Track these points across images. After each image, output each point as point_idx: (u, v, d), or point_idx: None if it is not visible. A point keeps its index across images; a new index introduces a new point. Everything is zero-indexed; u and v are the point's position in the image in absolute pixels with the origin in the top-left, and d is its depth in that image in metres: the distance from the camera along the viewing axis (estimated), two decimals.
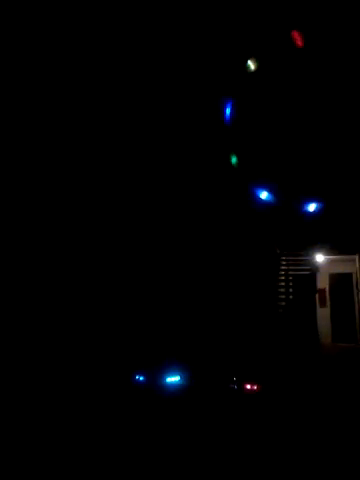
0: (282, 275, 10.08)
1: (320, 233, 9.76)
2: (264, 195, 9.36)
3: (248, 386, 6.88)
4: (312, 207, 9.20)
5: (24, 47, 7.83)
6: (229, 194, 9.60)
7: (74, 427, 5.14)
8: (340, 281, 11.47)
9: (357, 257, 10.55)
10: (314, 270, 10.19)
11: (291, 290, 9.96)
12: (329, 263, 11.05)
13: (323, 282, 11.31)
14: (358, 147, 9.21)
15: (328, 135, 9.18)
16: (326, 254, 10.52)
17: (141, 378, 7.08)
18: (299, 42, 8.33)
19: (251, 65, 8.09)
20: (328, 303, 11.49)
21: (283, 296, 9.87)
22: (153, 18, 8.23)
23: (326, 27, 8.31)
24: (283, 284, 10.01)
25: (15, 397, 5.90)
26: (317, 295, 10.88)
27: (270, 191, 9.34)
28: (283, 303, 9.73)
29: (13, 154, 8.01)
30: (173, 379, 7.08)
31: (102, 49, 8.29)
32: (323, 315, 11.14)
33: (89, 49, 8.19)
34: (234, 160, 8.76)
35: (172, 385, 7.01)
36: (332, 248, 10.15)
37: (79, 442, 4.74)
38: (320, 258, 10.53)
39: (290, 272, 10.12)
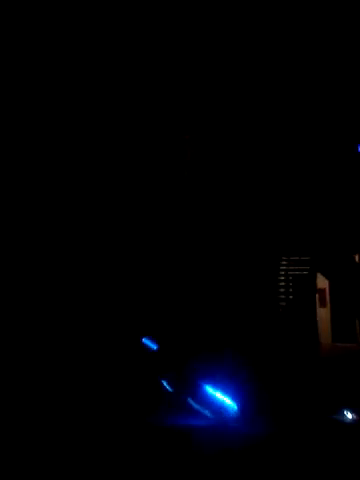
0: (282, 275, 10.09)
1: (320, 233, 9.75)
2: None
3: None
4: None
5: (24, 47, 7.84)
6: (232, 195, 9.61)
7: None
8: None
9: (357, 257, 10.54)
10: (314, 270, 10.19)
11: (291, 290, 9.97)
12: None
13: (323, 282, 11.30)
14: None
15: None
16: None
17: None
18: None
19: None
20: (328, 303, 11.48)
21: (283, 296, 9.87)
22: None
23: None
24: (283, 284, 10.02)
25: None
26: (317, 295, 10.88)
27: None
28: (283, 303, 9.74)
29: (12, 155, 8.01)
30: None
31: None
32: (323, 315, 11.13)
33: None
34: None
35: None
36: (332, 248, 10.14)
37: None
38: None
39: (290, 272, 10.12)
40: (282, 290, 9.93)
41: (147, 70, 8.37)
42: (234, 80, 8.72)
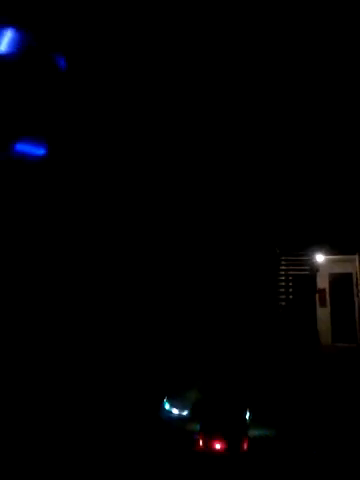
0: (282, 275, 10.08)
1: (320, 233, 9.76)
2: None
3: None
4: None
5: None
6: (230, 195, 9.61)
7: None
8: (340, 281, 11.46)
9: (357, 257, 10.54)
10: (314, 270, 10.19)
11: (291, 290, 9.97)
12: (329, 263, 11.05)
13: (323, 282, 11.30)
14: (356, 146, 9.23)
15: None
16: (326, 254, 10.52)
17: None
18: None
19: None
20: (328, 303, 11.49)
21: (283, 296, 9.87)
22: None
23: None
24: (283, 284, 10.02)
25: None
26: (317, 295, 10.87)
27: None
28: (283, 303, 9.74)
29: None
30: None
31: None
32: (323, 315, 11.13)
33: None
34: None
35: None
36: (332, 248, 10.15)
37: None
38: (320, 258, 10.52)
39: (290, 272, 10.12)
40: (282, 290, 9.94)
41: None
42: None
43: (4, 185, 7.29)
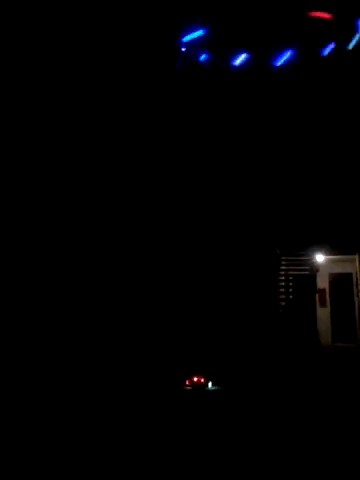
0: (282, 275, 10.08)
1: (320, 233, 9.76)
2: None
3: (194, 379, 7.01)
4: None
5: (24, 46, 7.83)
6: (229, 192, 9.61)
7: None
8: (340, 281, 11.47)
9: (357, 257, 10.55)
10: (314, 270, 10.19)
11: (291, 290, 9.96)
12: (329, 263, 11.05)
13: (323, 282, 11.31)
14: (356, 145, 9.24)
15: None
16: (326, 254, 10.52)
17: None
18: None
19: None
20: (328, 303, 11.50)
21: (283, 296, 9.87)
22: None
23: None
24: (283, 284, 10.02)
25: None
26: (317, 295, 10.88)
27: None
28: (283, 303, 9.74)
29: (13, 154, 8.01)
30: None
31: None
32: (323, 315, 11.14)
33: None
34: None
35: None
36: (332, 248, 10.15)
37: None
38: (320, 258, 10.53)
39: (290, 272, 10.12)
40: (282, 290, 9.95)
41: None
42: None
43: None
